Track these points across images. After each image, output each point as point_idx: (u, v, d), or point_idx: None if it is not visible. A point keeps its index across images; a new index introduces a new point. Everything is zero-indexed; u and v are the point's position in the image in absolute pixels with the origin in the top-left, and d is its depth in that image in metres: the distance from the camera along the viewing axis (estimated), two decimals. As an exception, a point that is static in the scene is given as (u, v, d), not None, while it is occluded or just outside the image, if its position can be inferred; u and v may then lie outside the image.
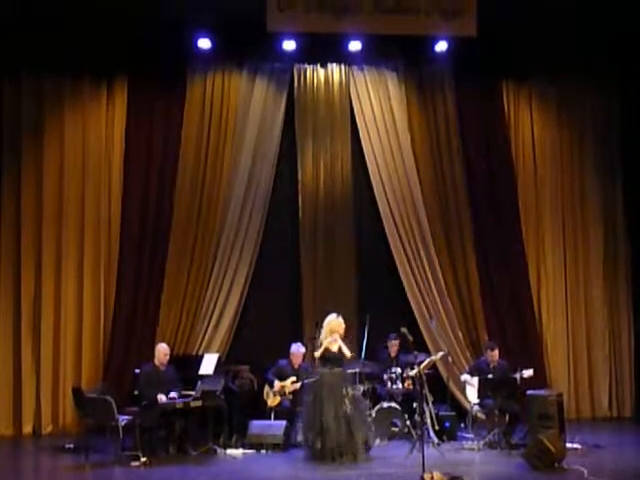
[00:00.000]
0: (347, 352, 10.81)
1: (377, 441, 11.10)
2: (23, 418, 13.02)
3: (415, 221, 13.90)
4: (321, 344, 10.85)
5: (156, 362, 11.43)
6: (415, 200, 13.93)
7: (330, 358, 10.77)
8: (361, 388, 12.00)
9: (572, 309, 14.28)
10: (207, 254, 13.49)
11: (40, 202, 13.29)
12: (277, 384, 12.04)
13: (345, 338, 10.94)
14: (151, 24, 12.84)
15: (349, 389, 10.66)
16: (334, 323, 10.89)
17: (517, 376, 11.52)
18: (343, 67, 14.08)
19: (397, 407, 12.07)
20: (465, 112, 14.14)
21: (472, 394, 11.84)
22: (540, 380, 12.92)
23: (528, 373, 11.51)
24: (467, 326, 13.89)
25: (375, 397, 12.37)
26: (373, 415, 11.92)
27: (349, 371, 11.39)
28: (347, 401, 10.50)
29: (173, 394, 11.12)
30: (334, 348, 10.80)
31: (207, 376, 11.74)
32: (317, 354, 10.90)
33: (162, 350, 11.51)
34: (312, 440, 10.55)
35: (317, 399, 10.64)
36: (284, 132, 13.92)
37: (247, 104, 13.79)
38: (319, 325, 11.11)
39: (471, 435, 11.74)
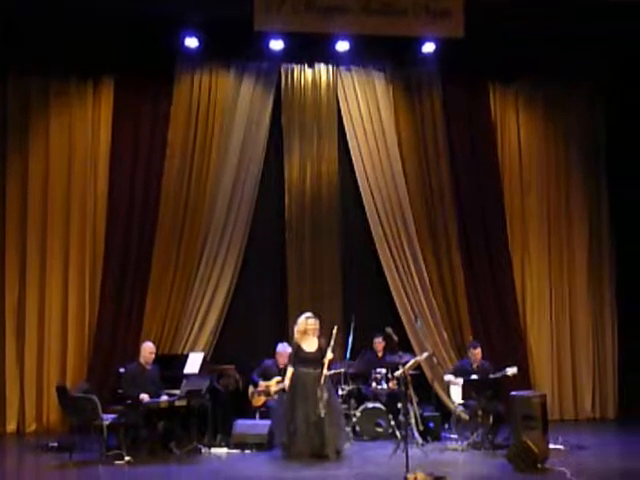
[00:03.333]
0: (329, 355, 10.82)
1: (347, 444, 11.10)
2: (7, 416, 12.99)
3: (401, 221, 13.92)
4: (295, 344, 10.91)
5: (141, 360, 11.41)
6: (401, 201, 13.95)
7: (305, 358, 10.79)
8: (345, 388, 12.06)
9: (556, 311, 14.34)
10: (193, 253, 13.48)
11: (25, 202, 13.27)
12: (262, 384, 12.06)
13: (321, 337, 10.98)
14: (138, 23, 12.80)
15: (324, 392, 10.58)
16: (302, 323, 10.95)
17: (501, 374, 11.55)
18: (330, 67, 14.08)
19: (382, 407, 12.11)
20: (452, 113, 14.19)
21: (456, 394, 11.88)
22: (524, 381, 12.98)
23: (512, 371, 11.50)
24: (452, 327, 13.92)
25: (360, 397, 12.40)
26: (358, 415, 11.95)
27: (333, 372, 11.43)
28: (321, 405, 10.45)
29: (164, 397, 11.12)
30: (310, 348, 10.84)
31: (192, 375, 11.73)
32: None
33: (148, 349, 11.49)
34: (283, 440, 10.62)
35: (289, 400, 10.69)
36: (271, 132, 13.92)
37: (234, 104, 13.77)
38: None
39: (455, 435, 11.77)
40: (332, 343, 10.82)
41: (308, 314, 11.08)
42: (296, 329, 10.98)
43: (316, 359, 10.77)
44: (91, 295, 13.32)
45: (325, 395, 10.55)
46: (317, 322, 11.05)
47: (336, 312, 13.37)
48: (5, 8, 12.45)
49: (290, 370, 10.99)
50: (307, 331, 10.90)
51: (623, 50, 13.72)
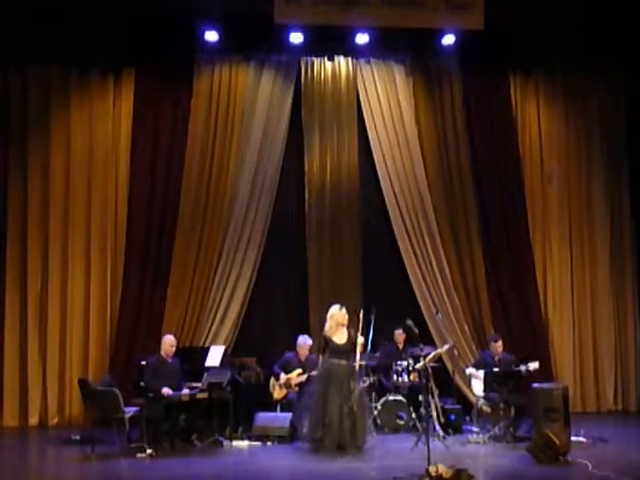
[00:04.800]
0: (360, 339, 10.80)
1: (372, 436, 11.11)
2: (29, 409, 13.07)
3: (421, 213, 13.90)
4: (326, 337, 10.90)
5: (162, 354, 11.43)
6: (421, 193, 13.93)
7: (337, 350, 10.79)
8: (367, 381, 12.06)
9: (578, 302, 14.29)
10: (214, 245, 13.52)
11: (47, 195, 13.34)
12: (283, 377, 12.07)
13: (350, 327, 10.96)
14: (158, 16, 12.85)
15: (357, 385, 10.62)
16: (338, 315, 10.93)
17: (523, 368, 11.56)
18: (350, 60, 14.07)
19: (403, 400, 12.10)
20: (472, 105, 14.14)
21: (478, 387, 11.86)
22: (546, 373, 12.94)
23: (534, 366, 11.53)
24: (473, 319, 13.90)
25: (381, 390, 12.41)
26: (379, 407, 11.95)
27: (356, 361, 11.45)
28: (353, 397, 10.47)
29: (185, 391, 11.16)
30: (341, 340, 10.84)
31: (213, 368, 11.76)
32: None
33: (168, 342, 11.52)
34: (314, 432, 10.64)
35: (322, 392, 10.68)
36: (291, 125, 13.93)
37: (254, 97, 13.79)
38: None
39: (476, 428, 11.75)
40: (360, 328, 10.83)
41: (340, 305, 11.08)
42: (331, 321, 10.92)
43: (347, 350, 10.79)
44: (113, 288, 13.38)
45: (358, 388, 10.59)
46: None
47: (356, 304, 13.31)
48: (25, 1, 12.53)
49: (321, 359, 11.04)
50: (342, 323, 10.91)
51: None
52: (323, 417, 10.54)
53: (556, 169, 14.37)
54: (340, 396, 10.52)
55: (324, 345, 10.96)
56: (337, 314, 10.94)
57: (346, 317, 10.96)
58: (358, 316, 10.94)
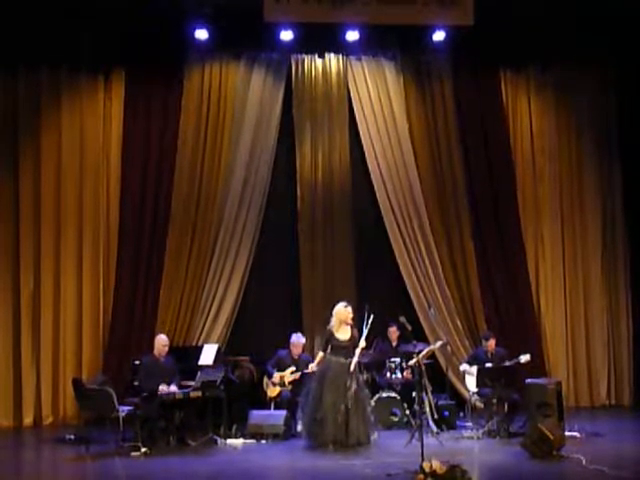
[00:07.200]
0: (362, 342, 10.80)
1: (375, 435, 11.11)
2: (23, 409, 13.03)
3: (413, 210, 13.90)
4: (329, 331, 10.93)
5: (155, 353, 11.46)
6: (413, 189, 13.93)
7: (338, 347, 10.83)
8: (360, 377, 12.08)
9: (570, 297, 14.30)
10: (206, 245, 13.50)
11: (38, 195, 13.27)
12: (276, 375, 12.07)
13: (354, 327, 11.00)
14: (148, 15, 12.80)
15: (353, 383, 10.61)
16: (342, 312, 10.97)
17: (515, 362, 11.58)
18: (341, 57, 14.05)
19: (396, 396, 12.11)
20: (463, 101, 14.14)
21: (472, 383, 11.86)
22: (539, 369, 12.97)
23: (525, 358, 11.58)
24: (466, 315, 13.92)
25: (374, 386, 12.41)
26: (372, 404, 11.96)
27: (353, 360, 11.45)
28: (349, 395, 10.48)
29: (173, 387, 11.15)
30: (344, 337, 10.87)
31: (207, 367, 11.76)
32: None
33: (161, 341, 11.54)
34: (309, 429, 10.71)
35: (319, 387, 10.72)
36: (282, 122, 13.91)
37: (245, 95, 13.78)
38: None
39: (470, 424, 11.77)
40: (365, 331, 10.83)
41: (346, 303, 11.14)
42: (336, 318, 10.98)
43: (348, 348, 10.81)
44: (105, 288, 13.35)
45: (354, 386, 10.58)
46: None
47: (349, 302, 13.32)
48: (15, 2, 12.49)
49: (320, 355, 11.07)
50: (346, 321, 10.94)
51: (635, 35, 13.64)
52: (316, 413, 10.58)
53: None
54: (336, 393, 10.55)
55: (327, 340, 11.00)
56: (341, 311, 11.01)
57: (350, 315, 11.01)
58: (364, 319, 10.89)
